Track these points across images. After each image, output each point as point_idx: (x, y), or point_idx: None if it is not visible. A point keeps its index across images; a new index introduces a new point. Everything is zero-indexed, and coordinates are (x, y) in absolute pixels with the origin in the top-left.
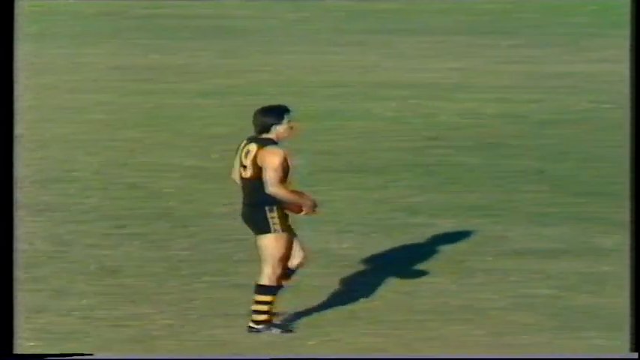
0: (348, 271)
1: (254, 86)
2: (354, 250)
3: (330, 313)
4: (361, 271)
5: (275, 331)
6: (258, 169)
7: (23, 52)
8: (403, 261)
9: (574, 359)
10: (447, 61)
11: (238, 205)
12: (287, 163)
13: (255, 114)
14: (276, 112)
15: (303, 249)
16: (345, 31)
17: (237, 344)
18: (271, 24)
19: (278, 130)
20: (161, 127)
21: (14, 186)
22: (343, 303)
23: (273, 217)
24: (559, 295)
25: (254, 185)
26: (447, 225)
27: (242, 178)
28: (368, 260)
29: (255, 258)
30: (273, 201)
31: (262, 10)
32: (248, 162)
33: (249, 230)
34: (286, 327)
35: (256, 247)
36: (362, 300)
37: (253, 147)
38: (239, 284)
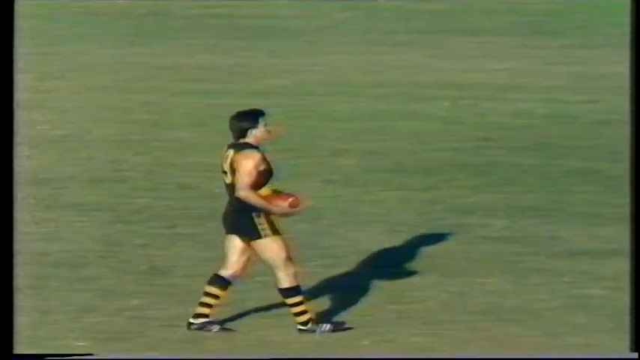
0: (400, 271)
1: (303, 86)
2: (406, 250)
3: (382, 313)
4: (413, 271)
5: (324, 327)
6: (235, 174)
7: (70, 53)
8: (455, 261)
9: (574, 359)
10: (497, 61)
11: None
12: (265, 166)
13: (231, 120)
14: (251, 116)
15: (247, 265)
16: (394, 31)
17: (289, 344)
18: (320, 24)
19: (255, 134)
20: (210, 127)
21: (14, 186)
22: (396, 303)
23: (261, 222)
24: (612, 295)
25: (235, 189)
26: (500, 225)
27: (225, 184)
28: (420, 260)
29: (307, 258)
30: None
31: (311, 10)
32: (227, 168)
33: (301, 231)
34: (336, 322)
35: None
36: (414, 300)
37: (231, 152)
38: None
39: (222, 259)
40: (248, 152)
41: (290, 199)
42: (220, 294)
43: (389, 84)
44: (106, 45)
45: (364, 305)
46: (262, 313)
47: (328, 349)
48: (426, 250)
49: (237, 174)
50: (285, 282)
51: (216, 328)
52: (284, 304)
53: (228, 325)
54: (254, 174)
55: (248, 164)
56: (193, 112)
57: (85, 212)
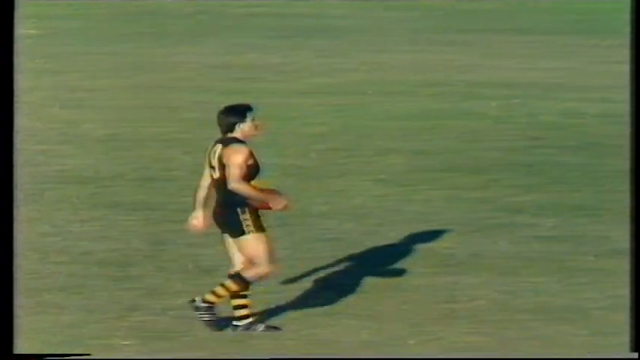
0: (449, 271)
1: (353, 85)
2: (455, 249)
3: (431, 313)
4: (462, 270)
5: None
6: (225, 169)
7: (118, 52)
8: (505, 260)
9: (574, 359)
10: (549, 60)
11: (338, 205)
12: (253, 160)
13: (219, 114)
14: (239, 111)
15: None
16: (445, 30)
17: (337, 343)
18: (370, 23)
19: (242, 129)
20: None
21: (14, 185)
22: (444, 302)
23: (245, 218)
24: None
25: (224, 185)
26: (550, 224)
27: (213, 180)
28: (469, 259)
29: (355, 257)
30: (243, 201)
31: (361, 9)
32: (215, 163)
33: (348, 230)
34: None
35: (225, 249)
36: (463, 299)
37: (219, 147)
38: (340, 284)
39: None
40: (237, 147)
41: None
42: (246, 291)
43: (439, 83)
44: (154, 44)
45: (412, 304)
46: (310, 312)
47: (375, 348)
48: (475, 250)
49: (227, 168)
50: (247, 273)
51: (261, 327)
52: (335, 302)
53: (276, 323)
54: (244, 167)
55: (238, 158)
56: None
57: (132, 211)
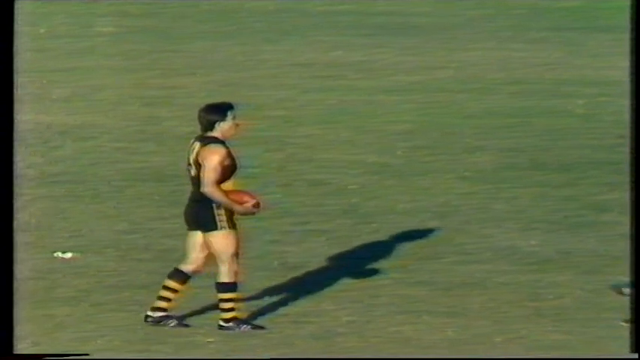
0: (534, 269)
1: (437, 83)
2: (541, 247)
3: (516, 310)
4: (548, 268)
5: (245, 327)
6: (200, 167)
7: (199, 50)
8: (591, 258)
9: (574, 359)
10: None
11: (422, 202)
12: (231, 160)
13: (199, 112)
14: (220, 110)
15: (208, 260)
16: (528, 28)
17: (421, 341)
18: (453, 21)
19: (222, 128)
20: (342, 123)
21: (14, 185)
22: (530, 300)
23: (220, 214)
24: None
25: (199, 183)
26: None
27: (190, 177)
28: (554, 258)
29: (440, 255)
30: None
31: (443, 8)
32: (192, 160)
33: (433, 227)
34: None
35: (201, 244)
36: (549, 297)
37: (197, 145)
38: (423, 281)
39: (355, 256)
40: (214, 147)
41: (254, 201)
42: (179, 288)
43: (524, 81)
44: (236, 42)
45: (498, 302)
46: (395, 309)
47: (459, 346)
48: (562, 247)
49: (202, 169)
50: (225, 277)
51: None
52: (419, 300)
53: (358, 321)
54: (219, 170)
55: (214, 160)
56: (325, 109)
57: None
